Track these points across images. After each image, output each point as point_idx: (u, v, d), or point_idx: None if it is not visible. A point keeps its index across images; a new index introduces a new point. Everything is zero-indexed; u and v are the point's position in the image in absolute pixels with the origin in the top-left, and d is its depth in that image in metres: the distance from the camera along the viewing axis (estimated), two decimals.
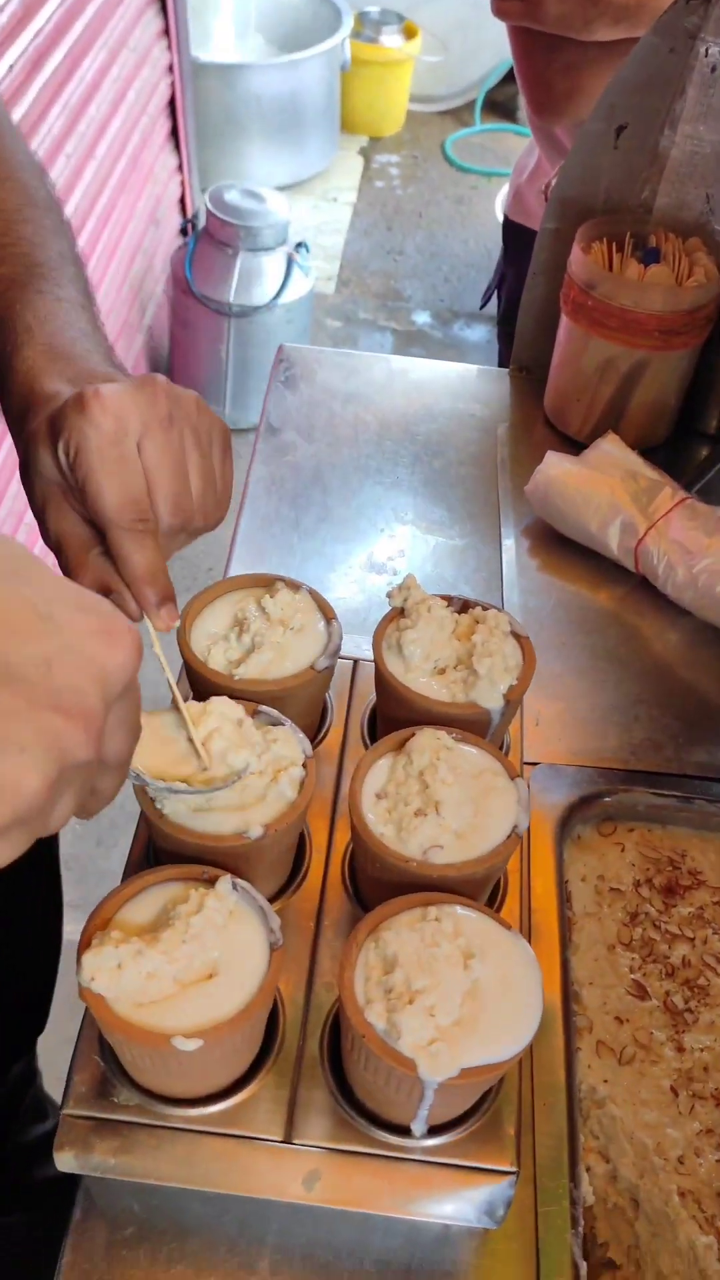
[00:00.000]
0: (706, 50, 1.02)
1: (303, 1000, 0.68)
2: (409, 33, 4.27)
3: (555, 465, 1.07)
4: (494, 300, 1.81)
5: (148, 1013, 0.58)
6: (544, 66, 1.30)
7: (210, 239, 2.87)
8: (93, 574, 0.65)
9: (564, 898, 0.84)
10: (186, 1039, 0.56)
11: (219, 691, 0.70)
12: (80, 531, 0.66)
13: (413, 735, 0.70)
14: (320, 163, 4.16)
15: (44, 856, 1.23)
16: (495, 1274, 0.66)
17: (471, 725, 0.72)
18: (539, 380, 1.24)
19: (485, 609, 0.77)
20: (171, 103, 3.18)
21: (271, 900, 0.68)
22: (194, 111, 3.36)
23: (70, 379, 0.67)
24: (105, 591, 0.65)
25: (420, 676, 0.75)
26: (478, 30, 4.39)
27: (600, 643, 1.01)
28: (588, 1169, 0.75)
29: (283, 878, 0.73)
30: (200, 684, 0.73)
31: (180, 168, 3.33)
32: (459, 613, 0.78)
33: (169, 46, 3.06)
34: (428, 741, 0.69)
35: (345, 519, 1.10)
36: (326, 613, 0.77)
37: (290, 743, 0.69)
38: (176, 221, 3.33)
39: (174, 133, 3.24)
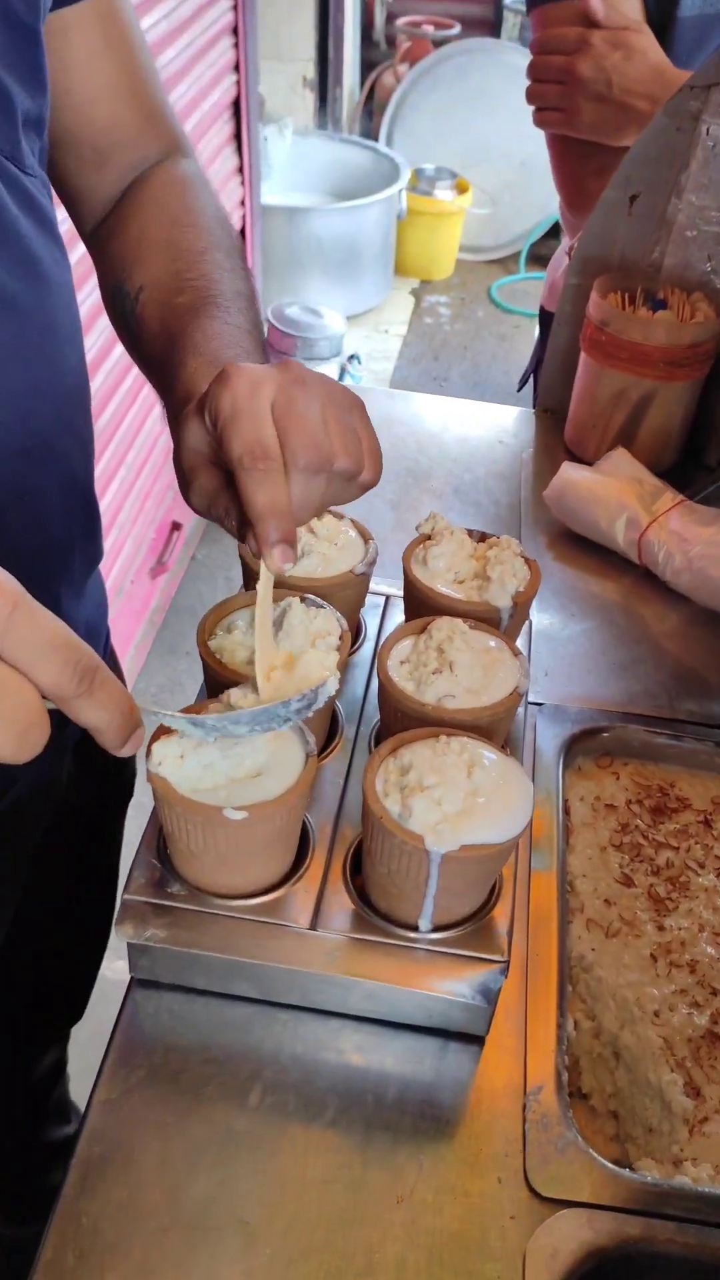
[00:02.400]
0: (708, 129, 1.21)
1: (330, 833, 0.79)
2: (461, 188, 4.65)
3: (571, 471, 1.22)
4: (530, 387, 1.99)
5: (203, 797, 0.69)
6: (579, 169, 1.48)
7: (271, 349, 3.13)
8: (235, 515, 0.69)
9: (563, 809, 0.95)
10: (235, 810, 0.68)
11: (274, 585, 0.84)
12: (225, 487, 0.70)
13: (433, 620, 0.83)
14: (374, 299, 4.48)
15: (111, 832, 1.33)
16: (487, 1081, 0.75)
17: (484, 620, 0.85)
18: (562, 419, 1.40)
19: (499, 538, 0.91)
20: (242, 233, 3.49)
21: None
22: (261, 245, 3.68)
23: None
24: (243, 527, 0.69)
25: (442, 585, 0.88)
26: (524, 190, 4.76)
27: (607, 620, 1.14)
28: (575, 1025, 0.84)
29: (319, 740, 0.85)
30: (251, 573, 0.87)
31: (255, 287, 3.62)
32: (477, 542, 0.92)
33: (242, 183, 3.39)
34: (445, 623, 0.82)
35: (382, 514, 1.25)
36: (365, 535, 0.91)
37: (329, 620, 0.82)
38: None
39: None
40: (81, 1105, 1.67)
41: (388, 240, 4.37)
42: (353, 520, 0.92)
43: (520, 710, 0.87)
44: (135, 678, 2.73)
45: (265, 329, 3.19)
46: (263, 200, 3.66)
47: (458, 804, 0.70)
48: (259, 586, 0.72)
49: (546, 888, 0.87)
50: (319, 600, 0.83)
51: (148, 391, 2.61)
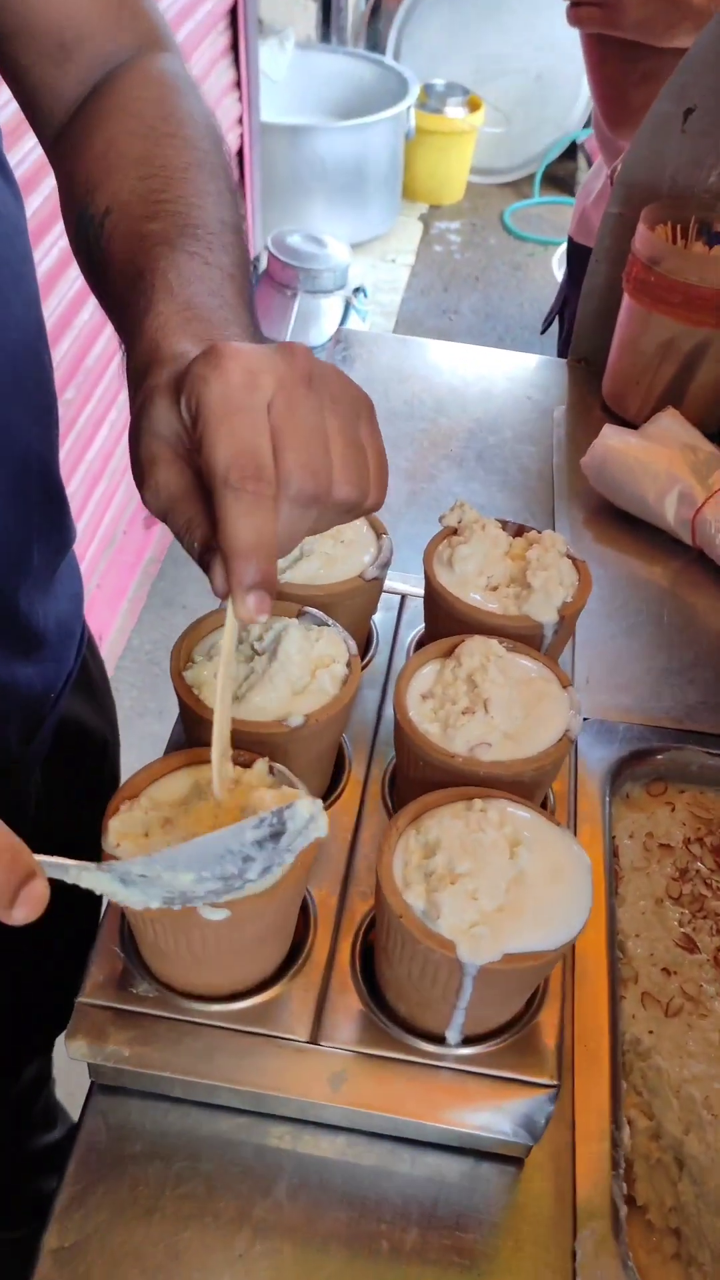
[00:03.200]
0: None
1: (336, 908, 0.65)
2: (473, 106, 4.38)
3: (613, 437, 1.05)
4: (555, 330, 1.81)
5: None
6: (621, 77, 1.29)
7: (271, 281, 2.93)
8: (201, 532, 0.55)
9: (611, 852, 0.80)
10: (213, 908, 0.53)
11: None
12: (193, 492, 0.56)
13: (462, 641, 0.67)
14: (381, 226, 4.24)
15: (90, 847, 1.21)
16: (528, 1213, 0.61)
17: (524, 638, 0.70)
18: (597, 370, 1.23)
19: (540, 532, 0.75)
20: (240, 153, 3.27)
21: None
22: (261, 166, 3.45)
23: (201, 341, 0.60)
24: (207, 551, 0.55)
25: (472, 592, 0.72)
26: (540, 106, 4.50)
27: (655, 614, 0.98)
28: (629, 1123, 0.70)
29: (320, 787, 0.70)
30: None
31: (245, 217, 3.41)
32: (514, 536, 0.76)
33: (240, 99, 3.15)
34: (478, 647, 0.66)
35: (396, 487, 1.08)
36: (378, 528, 0.75)
37: (334, 642, 0.66)
38: None
39: (240, 182, 3.33)
40: (68, 1108, 1.58)
41: (395, 162, 4.13)
42: None
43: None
44: (129, 635, 2.58)
45: (265, 259, 3.00)
46: (262, 118, 3.43)
47: (498, 898, 0.54)
48: (223, 640, 0.56)
49: (594, 951, 0.72)
50: (321, 615, 0.68)
51: None
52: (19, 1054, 1.36)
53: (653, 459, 1.03)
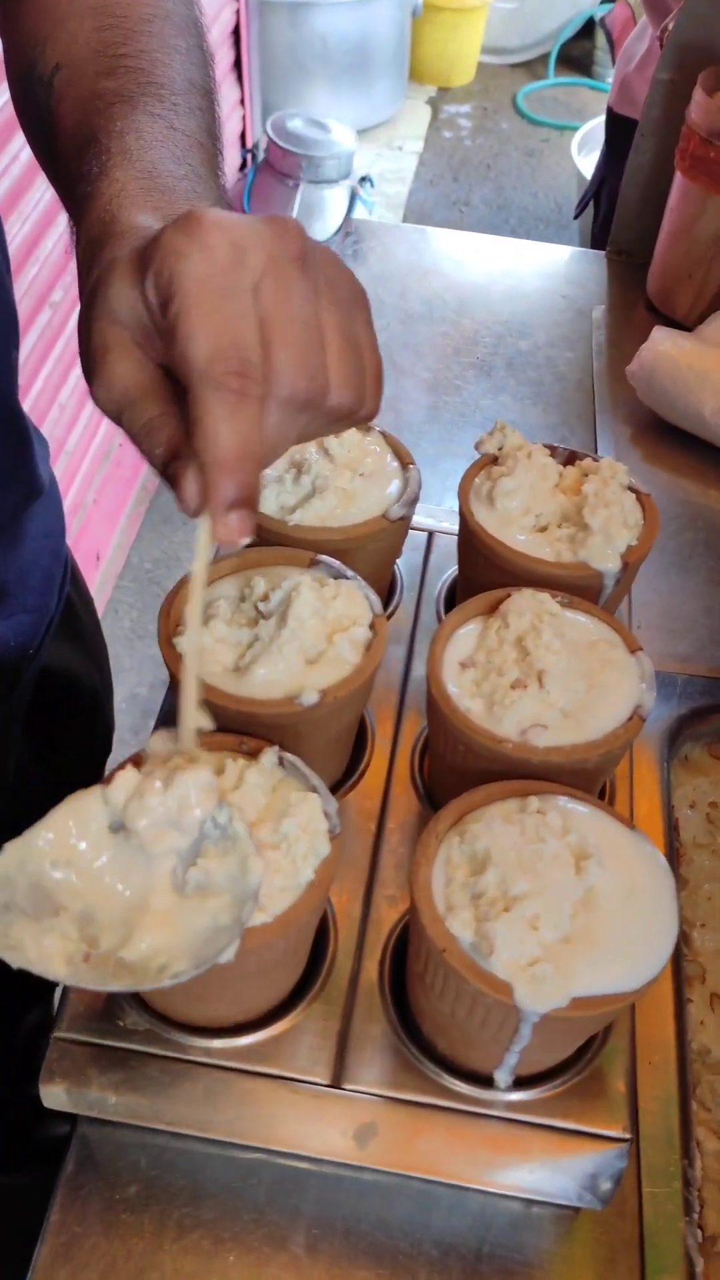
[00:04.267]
0: None
1: (359, 916, 0.54)
2: None
3: (665, 341, 0.92)
4: (589, 216, 1.66)
5: None
6: None
7: (271, 170, 2.74)
8: (166, 435, 0.47)
9: (670, 825, 0.70)
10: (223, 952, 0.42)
11: (270, 541, 0.57)
12: (157, 387, 0.48)
13: (508, 596, 0.56)
14: (386, 110, 4.02)
15: None
16: (587, 1268, 0.52)
17: (581, 590, 0.58)
18: (641, 264, 1.09)
19: (597, 459, 0.63)
20: (235, 32, 3.04)
21: None
22: (258, 46, 3.23)
23: (165, 215, 0.51)
24: (173, 459, 0.46)
25: (518, 534, 0.61)
26: None
27: (714, 545, 0.87)
28: (698, 1144, 0.61)
29: (339, 767, 0.59)
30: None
31: (242, 101, 3.20)
32: (564, 465, 0.64)
33: None
34: (528, 603, 0.55)
35: (416, 400, 0.96)
36: (403, 457, 0.64)
37: (355, 599, 0.55)
38: (236, 156, 3.19)
39: (237, 64, 3.11)
40: None
41: (402, 41, 3.89)
42: (382, 433, 0.65)
43: None
44: (127, 552, 2.47)
45: (264, 146, 2.81)
46: None
47: (563, 926, 0.44)
48: (194, 565, 0.46)
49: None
50: (338, 566, 0.56)
51: None
52: (17, 1002, 1.30)
53: (711, 366, 0.90)
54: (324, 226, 2.73)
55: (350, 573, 0.56)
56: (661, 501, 0.88)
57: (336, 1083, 0.49)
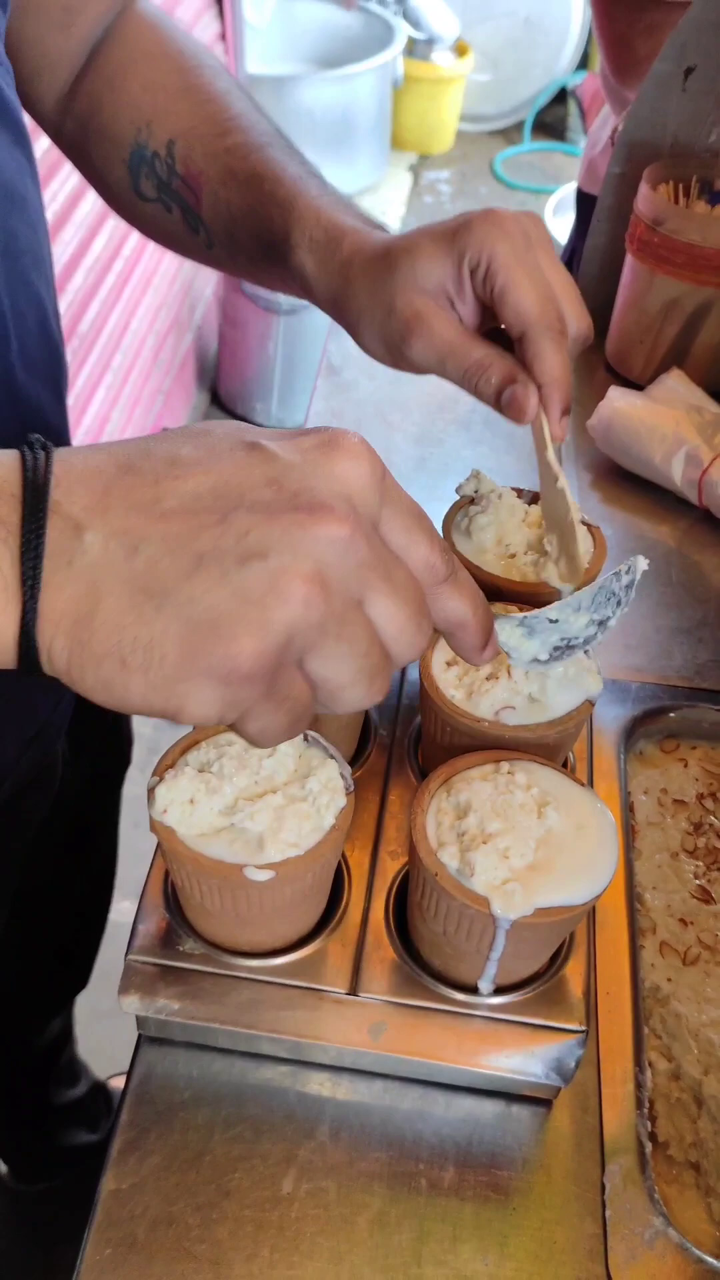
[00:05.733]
0: None
1: (368, 867, 0.67)
2: (460, 51, 4.33)
3: (619, 399, 1.07)
4: None
5: (214, 845, 0.57)
6: (626, 27, 1.29)
7: None
8: (500, 366, 0.65)
9: (626, 807, 0.83)
10: (259, 869, 0.55)
11: None
12: (472, 337, 0.66)
13: None
14: (370, 177, 4.20)
15: (109, 805, 1.24)
16: (558, 1150, 0.64)
17: (542, 605, 0.72)
18: (601, 328, 1.24)
19: None
20: None
21: None
22: None
23: (362, 219, 0.72)
24: (511, 380, 0.64)
25: (492, 560, 0.74)
26: (529, 50, 4.44)
27: (663, 573, 1.00)
28: (650, 1065, 0.73)
29: (349, 749, 0.72)
30: None
31: None
32: (530, 504, 0.78)
33: (225, 51, 3.11)
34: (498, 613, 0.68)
35: (405, 452, 1.10)
36: None
37: None
38: None
39: None
40: (90, 1062, 1.62)
41: (383, 111, 4.07)
42: None
43: None
44: None
45: None
46: (247, 70, 3.38)
47: (528, 856, 0.57)
48: (549, 455, 0.66)
49: (614, 903, 0.75)
50: None
51: (132, 289, 2.42)
52: (38, 1013, 1.40)
53: (659, 420, 1.04)
54: None
55: None
56: (618, 536, 1.03)
57: (354, 991, 0.61)
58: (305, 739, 0.62)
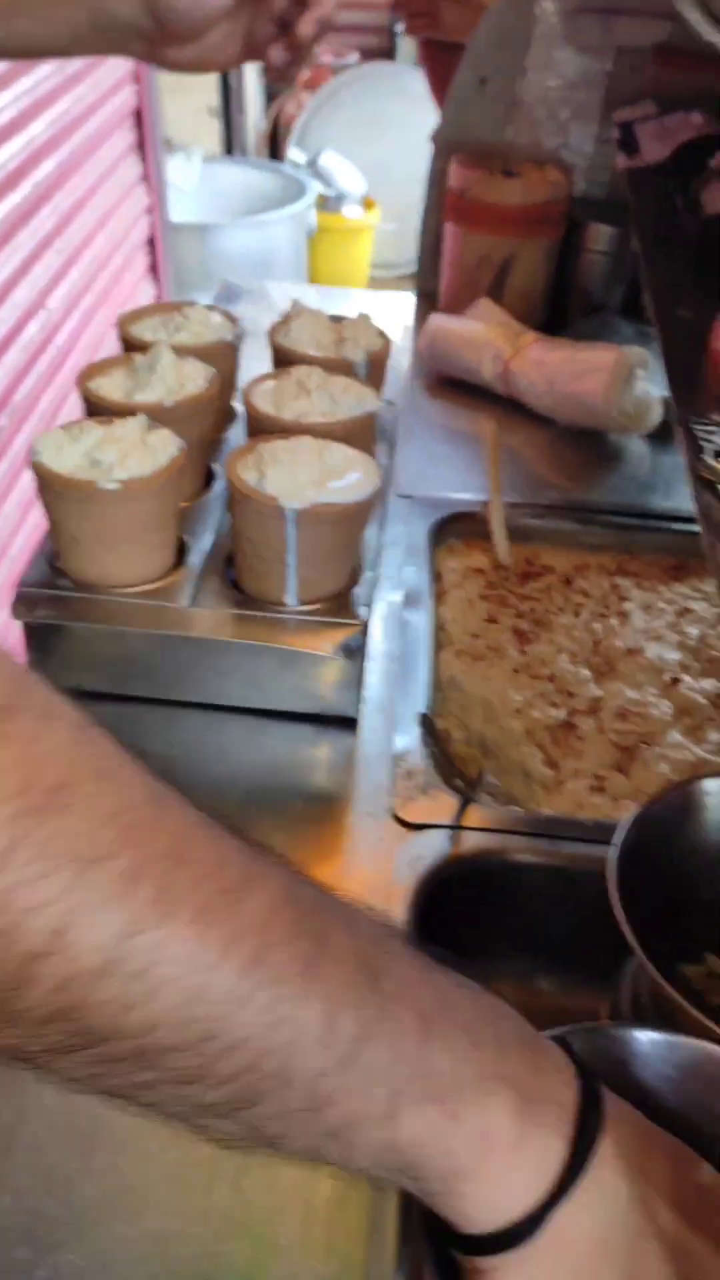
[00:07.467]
0: (544, 9, 1.33)
1: (209, 547, 0.87)
2: (368, 205, 4.82)
3: (439, 320, 1.32)
4: None
5: None
6: (446, 70, 1.61)
7: None
8: None
9: (434, 576, 1.03)
10: (109, 481, 0.75)
11: None
12: None
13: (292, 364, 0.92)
14: None
15: None
16: (361, 753, 0.82)
17: (344, 371, 0.94)
18: (437, 291, 1.50)
19: (355, 319, 1.00)
20: (150, 242, 3.61)
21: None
22: (170, 257, 3.79)
23: None
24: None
25: (311, 349, 0.97)
26: None
27: (478, 443, 1.23)
28: (448, 733, 0.91)
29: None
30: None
31: (158, 299, 3.73)
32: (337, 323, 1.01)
33: (148, 191, 3.50)
34: (304, 368, 0.91)
35: None
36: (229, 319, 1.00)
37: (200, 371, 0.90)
38: None
39: (153, 268, 3.66)
40: None
41: (299, 256, 4.49)
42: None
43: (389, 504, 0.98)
44: None
45: None
46: (171, 220, 3.78)
47: (311, 475, 0.78)
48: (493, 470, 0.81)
49: (419, 629, 0.95)
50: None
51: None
52: None
53: (471, 332, 1.29)
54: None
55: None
56: (447, 429, 1.25)
57: (194, 604, 0.80)
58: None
